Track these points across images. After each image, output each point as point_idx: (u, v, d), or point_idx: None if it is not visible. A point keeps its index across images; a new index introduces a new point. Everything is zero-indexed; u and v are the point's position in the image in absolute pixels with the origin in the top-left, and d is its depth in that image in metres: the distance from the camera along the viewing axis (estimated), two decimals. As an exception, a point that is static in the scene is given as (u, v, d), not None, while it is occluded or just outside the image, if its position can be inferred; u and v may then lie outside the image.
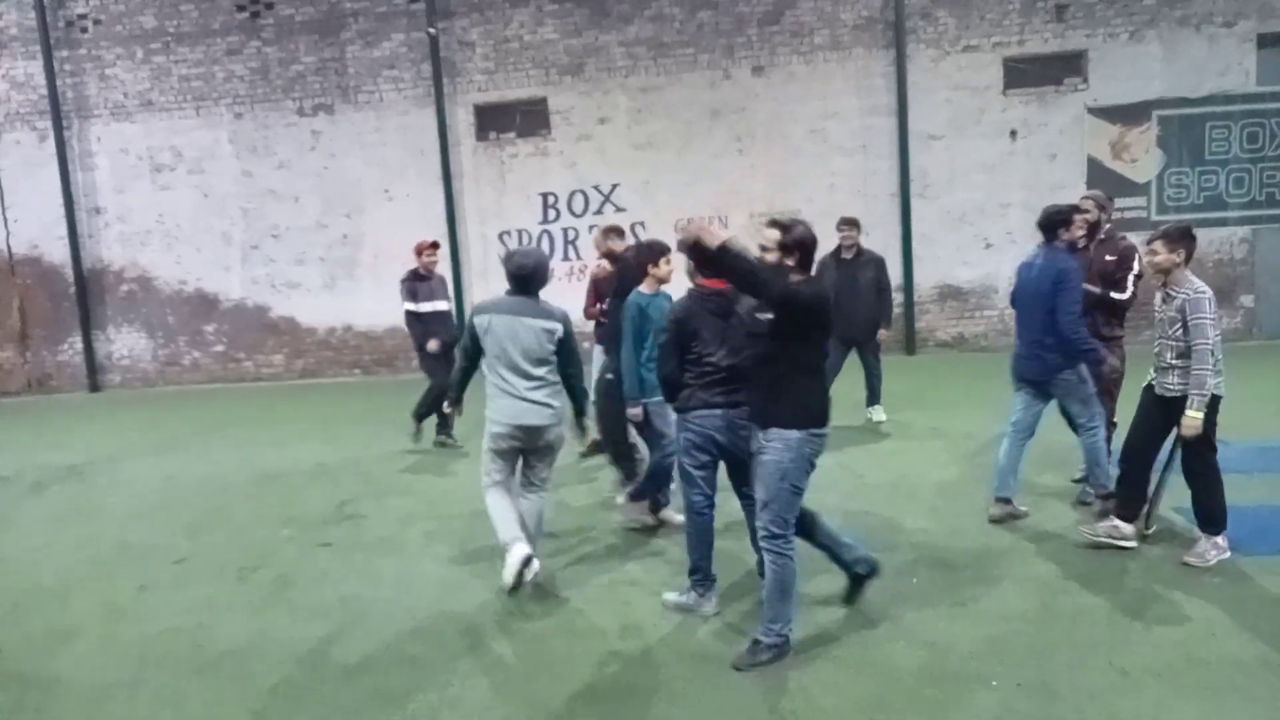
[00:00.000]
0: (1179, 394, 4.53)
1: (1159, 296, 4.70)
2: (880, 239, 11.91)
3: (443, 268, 13.04)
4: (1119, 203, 11.09)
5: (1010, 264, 11.27)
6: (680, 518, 4.87)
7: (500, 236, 13.30)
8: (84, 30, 13.74)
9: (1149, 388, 4.80)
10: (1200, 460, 4.63)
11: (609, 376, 5.83)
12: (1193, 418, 4.44)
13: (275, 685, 3.89)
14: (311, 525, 6.22)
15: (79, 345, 14.21)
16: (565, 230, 13.32)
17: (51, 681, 4.06)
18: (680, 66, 12.88)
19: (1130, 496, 4.85)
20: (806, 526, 4.10)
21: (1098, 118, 12.27)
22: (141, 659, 4.23)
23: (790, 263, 3.85)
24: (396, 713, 3.61)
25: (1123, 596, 4.30)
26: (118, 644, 4.43)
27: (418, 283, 8.18)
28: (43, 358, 14.36)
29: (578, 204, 13.29)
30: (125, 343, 14.27)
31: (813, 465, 3.85)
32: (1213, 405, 4.51)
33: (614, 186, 13.17)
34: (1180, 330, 4.49)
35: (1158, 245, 4.55)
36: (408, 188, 13.47)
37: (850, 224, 8.42)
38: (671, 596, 4.47)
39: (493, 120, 13.35)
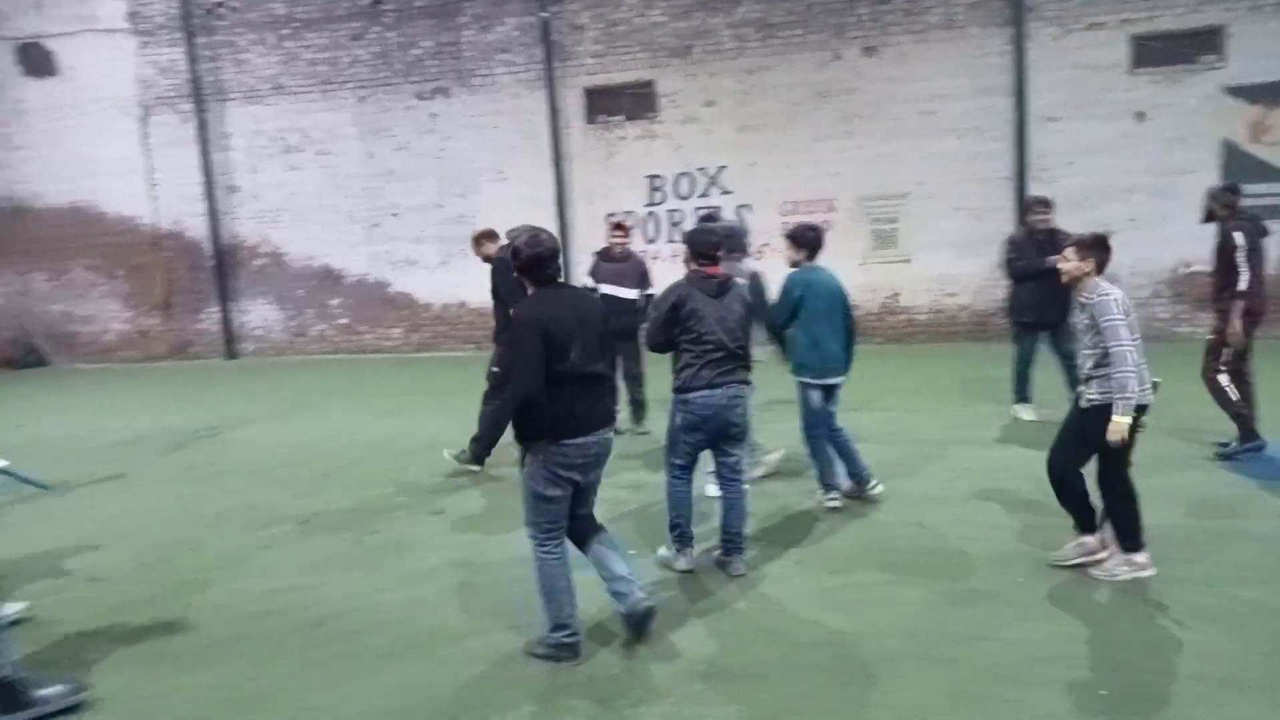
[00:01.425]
0: (1100, 403, 4.33)
1: (1077, 307, 4.59)
2: (994, 224, 11.62)
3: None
4: (1257, 189, 10.51)
5: (1132, 251, 10.86)
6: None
7: (607, 217, 13.54)
8: (221, 17, 14.61)
9: (1074, 400, 4.65)
10: (1113, 471, 4.47)
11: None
12: (1117, 423, 4.24)
13: (386, 646, 4.24)
14: (423, 493, 6.63)
15: (217, 315, 15.24)
16: (670, 212, 13.47)
17: (189, 627, 4.53)
18: (788, 47, 12.78)
19: (1080, 512, 4.61)
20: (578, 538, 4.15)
21: (1235, 98, 11.57)
22: (266, 612, 4.66)
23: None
24: (500, 675, 3.90)
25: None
26: (244, 596, 4.89)
27: (601, 261, 8.09)
28: (184, 326, 15.46)
29: (684, 186, 13.40)
30: (259, 314, 15.22)
31: (558, 476, 3.86)
32: (1136, 413, 4.30)
33: (720, 169, 13.23)
34: (1096, 337, 4.35)
35: (1069, 253, 4.49)
36: (519, 169, 13.86)
37: (1044, 204, 7.83)
38: (661, 551, 5.01)
39: (601, 103, 13.57)
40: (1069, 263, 4.47)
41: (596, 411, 3.95)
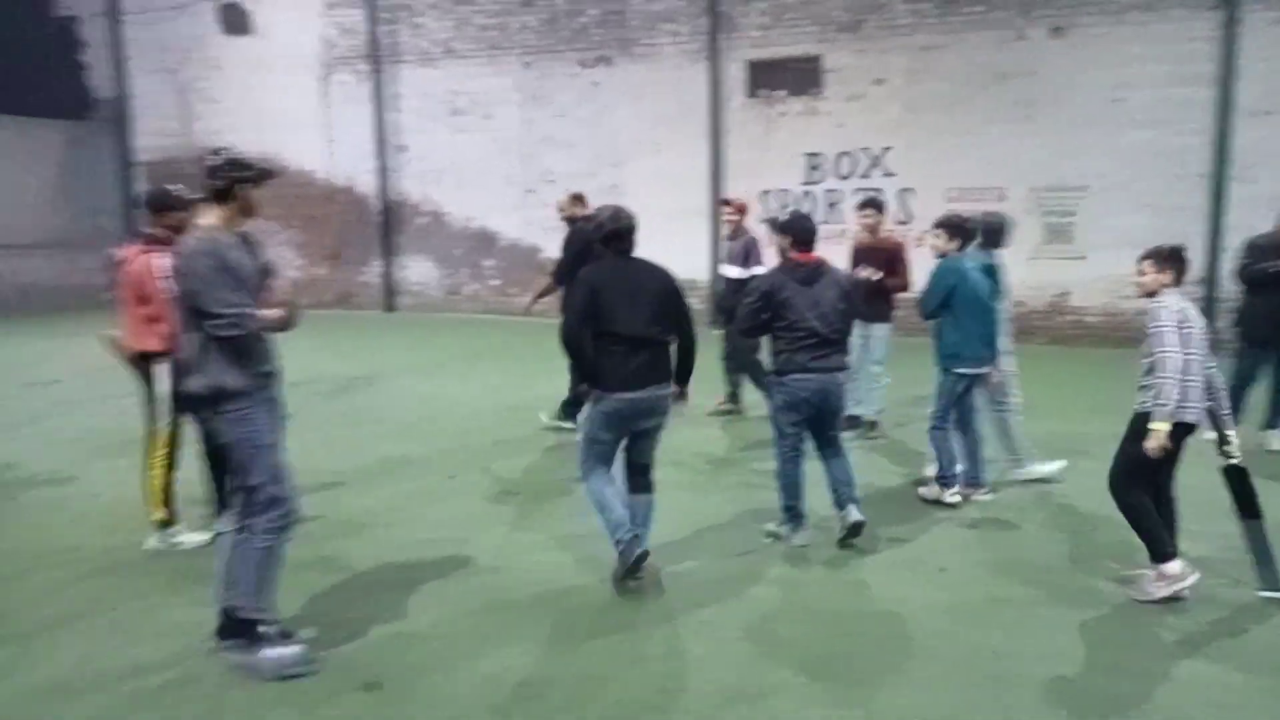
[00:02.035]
0: (1142, 410, 4.27)
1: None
2: (1182, 223, 10.72)
3: (700, 225, 13.50)
4: None
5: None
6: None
7: (761, 195, 13.32)
8: (402, -19, 15.16)
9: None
10: (1124, 483, 4.34)
11: None
12: (1155, 429, 4.13)
13: (524, 601, 4.34)
14: (567, 459, 6.71)
15: (379, 269, 15.99)
16: (828, 192, 13.12)
17: (344, 567, 4.77)
18: (968, 25, 12.14)
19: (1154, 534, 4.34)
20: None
21: None
22: (416, 560, 4.86)
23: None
24: (626, 638, 3.93)
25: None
26: (394, 544, 5.10)
27: (725, 240, 8.09)
28: (349, 277, 16.30)
29: (844, 166, 13.02)
30: (417, 270, 15.86)
31: (608, 422, 4.37)
32: (1176, 432, 4.17)
33: (884, 150, 12.76)
34: (1148, 343, 4.28)
35: (1145, 265, 4.38)
36: (674, 141, 13.80)
37: None
38: (770, 526, 5.13)
39: (764, 77, 13.30)
40: (1146, 275, 4.37)
41: (642, 371, 4.31)
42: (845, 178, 13.01)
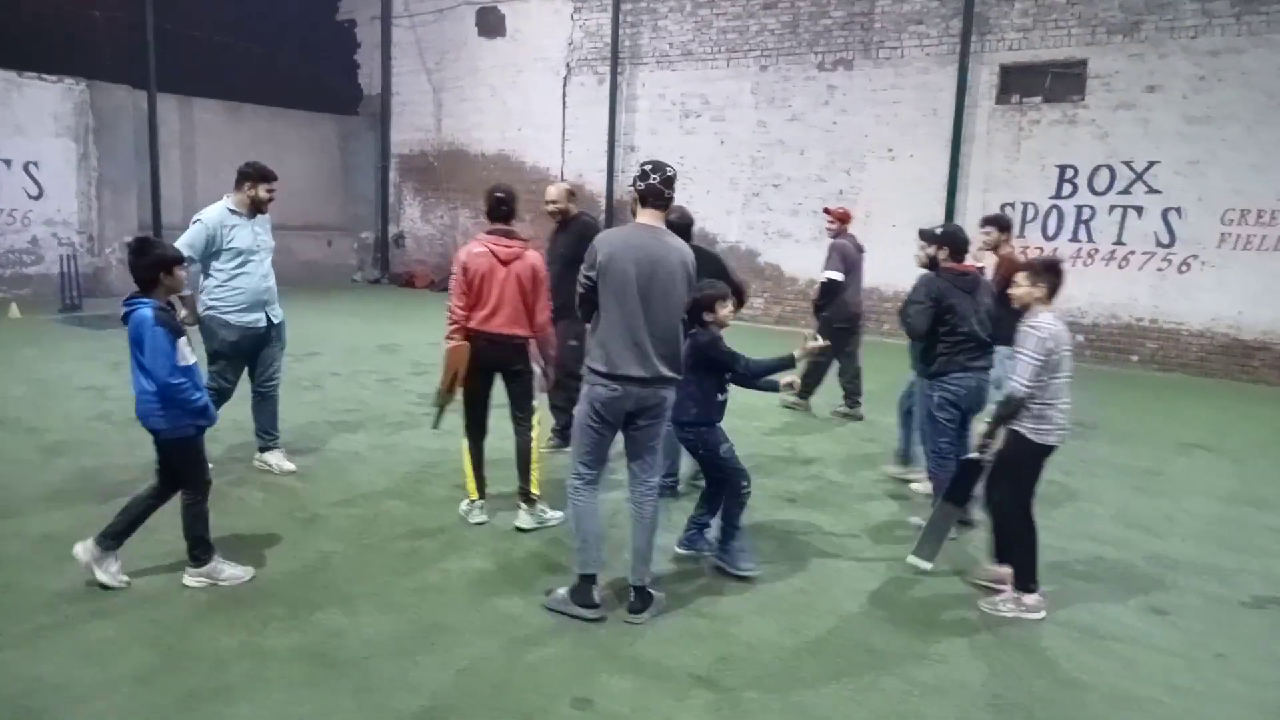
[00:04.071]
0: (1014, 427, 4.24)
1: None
2: None
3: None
4: None
5: None
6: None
7: (1002, 207, 12.35)
8: (648, -15, 15.40)
9: None
10: (1005, 497, 4.31)
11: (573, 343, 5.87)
12: (981, 423, 4.37)
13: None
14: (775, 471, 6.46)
15: (600, 265, 16.32)
16: (1080, 209, 11.95)
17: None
18: (1272, 26, 10.62)
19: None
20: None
21: None
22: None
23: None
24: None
25: None
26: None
27: None
28: (572, 271, 16.77)
29: (1101, 180, 11.80)
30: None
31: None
32: (1037, 452, 4.19)
33: (1150, 164, 11.44)
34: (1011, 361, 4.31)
35: (1020, 278, 4.29)
36: (913, 148, 13.09)
37: None
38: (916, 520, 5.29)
39: (1018, 82, 12.32)
40: (1019, 288, 4.27)
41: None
42: (1101, 193, 11.79)
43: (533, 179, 16.50)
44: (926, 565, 4.59)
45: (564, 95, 16.43)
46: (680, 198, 15.86)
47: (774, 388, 4.59)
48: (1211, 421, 8.77)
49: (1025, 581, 4.24)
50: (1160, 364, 11.57)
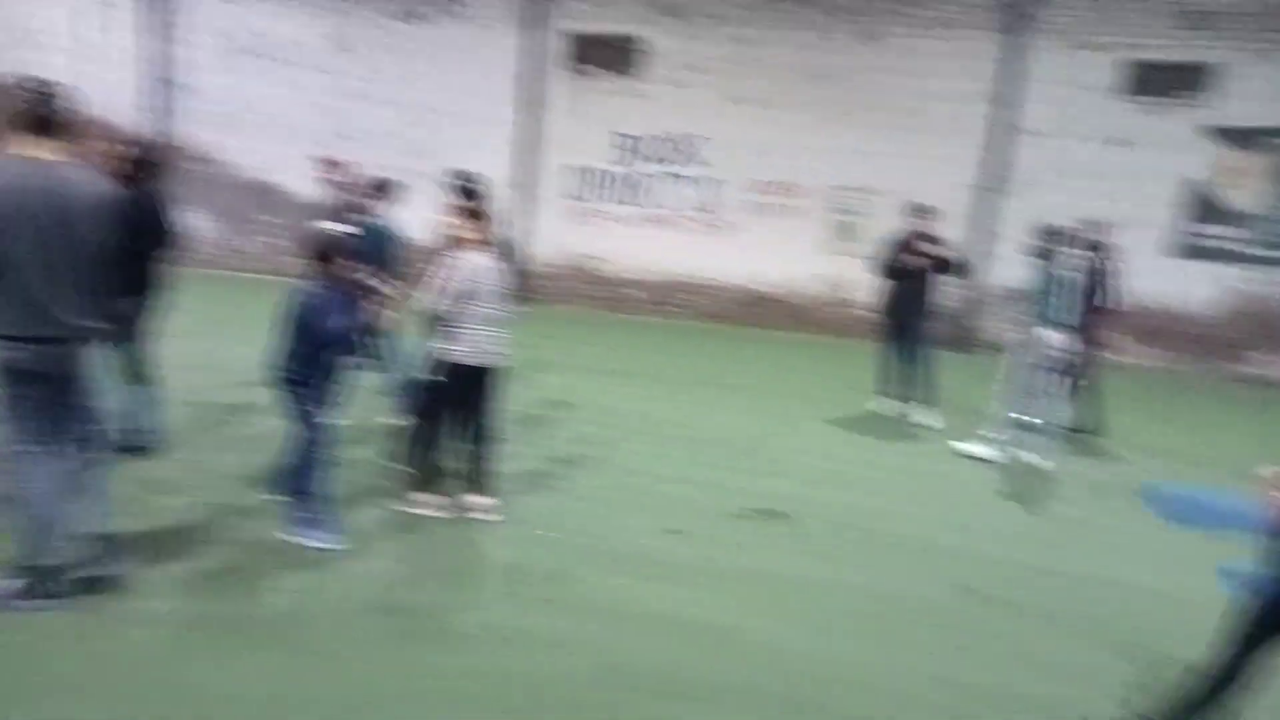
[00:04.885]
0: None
1: None
2: (955, 231, 10.64)
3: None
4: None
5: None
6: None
7: (560, 169, 13.17)
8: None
9: None
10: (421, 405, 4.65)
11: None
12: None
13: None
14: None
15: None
16: (632, 174, 13.11)
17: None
18: (791, 21, 12.07)
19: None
20: None
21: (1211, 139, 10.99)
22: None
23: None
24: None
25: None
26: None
27: None
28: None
29: (653, 148, 12.96)
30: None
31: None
32: (454, 372, 4.48)
33: (696, 137, 12.76)
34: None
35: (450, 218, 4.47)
36: (481, 108, 12.97)
37: None
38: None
39: (583, 51, 12.88)
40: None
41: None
42: (659, 162, 12.97)
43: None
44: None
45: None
46: (245, 145, 14.51)
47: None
48: (725, 361, 10.03)
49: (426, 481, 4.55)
50: (699, 314, 12.98)
